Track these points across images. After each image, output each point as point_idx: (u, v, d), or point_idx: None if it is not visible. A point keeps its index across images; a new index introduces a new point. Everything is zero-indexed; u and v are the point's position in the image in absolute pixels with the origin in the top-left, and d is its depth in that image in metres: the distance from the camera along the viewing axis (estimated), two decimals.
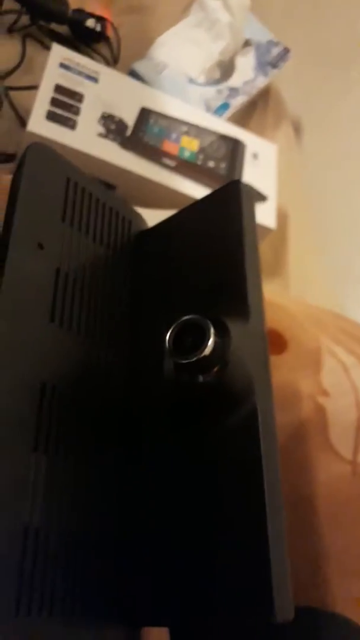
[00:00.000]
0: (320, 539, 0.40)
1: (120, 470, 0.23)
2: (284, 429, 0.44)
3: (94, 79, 0.60)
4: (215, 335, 0.21)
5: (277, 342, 0.52)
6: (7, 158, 0.61)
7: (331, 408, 0.46)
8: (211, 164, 0.63)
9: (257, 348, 0.23)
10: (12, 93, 0.65)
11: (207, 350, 0.20)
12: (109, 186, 0.58)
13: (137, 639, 0.21)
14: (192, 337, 0.21)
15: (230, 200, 0.27)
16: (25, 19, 0.71)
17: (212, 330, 0.21)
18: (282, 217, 0.66)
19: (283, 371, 0.49)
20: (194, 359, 0.21)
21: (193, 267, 0.28)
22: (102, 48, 0.76)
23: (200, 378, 0.21)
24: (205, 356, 0.20)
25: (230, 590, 0.18)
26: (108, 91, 0.59)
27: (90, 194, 0.29)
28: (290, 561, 0.41)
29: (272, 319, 0.54)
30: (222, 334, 0.21)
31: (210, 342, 0.20)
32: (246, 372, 0.21)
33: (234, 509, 0.19)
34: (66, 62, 0.59)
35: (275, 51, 0.79)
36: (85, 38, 0.74)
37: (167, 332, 0.21)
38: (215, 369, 0.21)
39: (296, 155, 0.85)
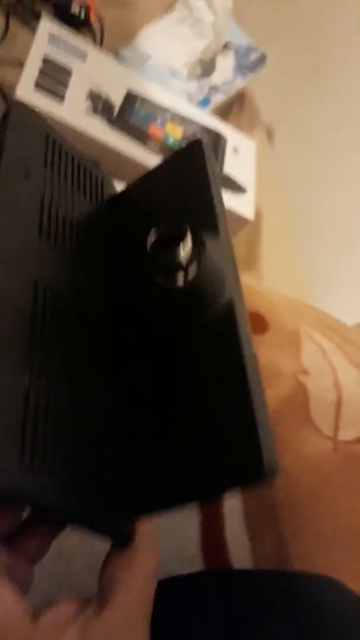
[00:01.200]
0: (304, 510, 0.41)
1: (110, 366, 0.25)
2: (268, 405, 0.44)
3: (81, 57, 0.59)
4: (192, 237, 0.22)
5: (258, 324, 0.53)
6: None
7: (312, 386, 0.47)
8: None
9: (227, 256, 0.24)
10: None
11: (187, 247, 0.22)
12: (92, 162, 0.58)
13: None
14: (171, 243, 0.22)
15: (195, 155, 0.30)
16: None
17: (189, 231, 0.22)
18: (256, 215, 0.67)
19: (265, 349, 0.50)
20: (176, 255, 0.22)
21: (166, 209, 0.30)
22: (85, 35, 0.76)
23: (180, 280, 0.22)
24: (183, 255, 0.22)
25: (224, 456, 0.19)
26: (95, 70, 0.59)
27: (66, 152, 0.32)
28: (276, 531, 0.41)
29: (253, 302, 0.55)
30: (197, 241, 0.23)
31: (189, 239, 0.22)
32: (219, 272, 0.23)
33: (221, 385, 0.21)
34: (55, 36, 0.58)
35: (253, 56, 0.81)
36: (69, 23, 0.74)
37: (148, 237, 0.23)
38: (193, 269, 0.22)
39: (269, 156, 0.88)
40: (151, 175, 0.33)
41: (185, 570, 0.36)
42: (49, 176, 0.30)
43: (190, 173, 0.29)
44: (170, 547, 0.39)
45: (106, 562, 0.22)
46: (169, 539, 0.38)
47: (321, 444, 0.44)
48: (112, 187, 0.35)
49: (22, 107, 0.31)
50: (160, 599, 0.22)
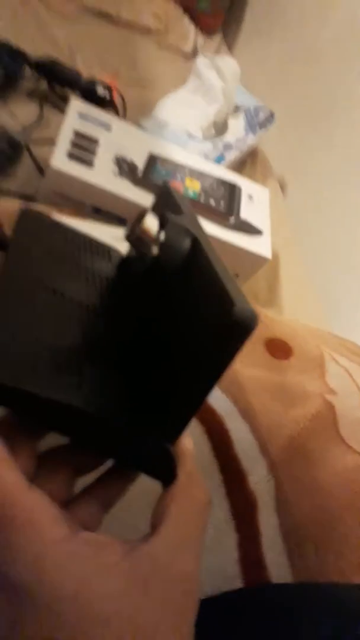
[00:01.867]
0: (339, 524, 0.41)
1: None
2: (297, 423, 0.46)
3: (107, 127, 0.67)
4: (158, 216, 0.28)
5: (283, 349, 0.55)
6: (27, 198, 0.67)
7: (339, 405, 0.49)
8: (212, 202, 0.69)
9: (191, 219, 0.29)
10: (31, 145, 0.73)
11: (149, 219, 0.27)
12: (121, 220, 0.64)
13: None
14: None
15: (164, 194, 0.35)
16: (43, 85, 0.80)
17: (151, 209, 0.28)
18: (273, 255, 0.72)
19: (290, 373, 0.52)
20: (141, 226, 0.28)
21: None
22: (110, 112, 0.85)
23: (155, 249, 0.27)
24: (147, 225, 0.27)
25: (211, 333, 0.22)
26: (120, 138, 0.67)
27: (74, 241, 0.38)
28: (313, 546, 0.41)
29: (276, 330, 0.58)
30: (162, 217, 0.28)
31: (150, 214, 0.28)
32: (184, 228, 0.27)
33: (203, 294, 0.23)
34: (83, 112, 0.66)
35: (262, 115, 0.89)
36: (96, 104, 0.83)
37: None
38: (159, 236, 0.27)
39: (282, 205, 0.93)
40: None
41: (226, 589, 0.36)
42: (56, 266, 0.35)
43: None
44: (210, 568, 0.39)
45: (156, 504, 0.23)
46: (208, 560, 0.39)
47: (352, 460, 0.45)
48: (120, 254, 0.41)
49: (29, 212, 0.38)
50: (202, 618, 0.23)
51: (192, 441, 0.26)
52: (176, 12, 1.14)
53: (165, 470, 0.24)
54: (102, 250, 0.39)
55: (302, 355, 0.54)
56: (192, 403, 0.22)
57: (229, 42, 1.23)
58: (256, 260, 0.69)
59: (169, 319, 0.27)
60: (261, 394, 0.47)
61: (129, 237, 0.29)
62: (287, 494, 0.41)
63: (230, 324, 0.20)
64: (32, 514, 0.19)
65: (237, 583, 0.40)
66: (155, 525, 0.22)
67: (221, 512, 0.40)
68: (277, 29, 1.10)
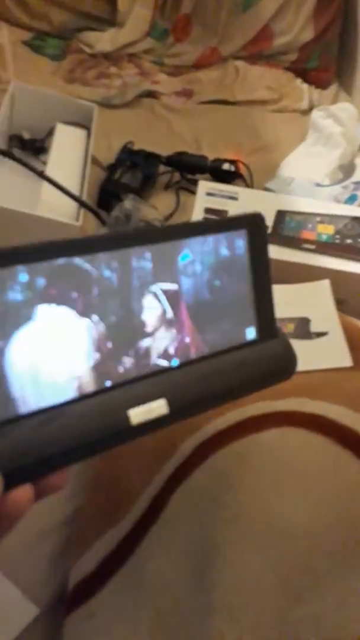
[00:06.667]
0: None
1: None
2: None
3: (234, 198, 0.72)
4: None
5: None
6: None
7: None
8: (349, 241, 0.69)
9: None
10: None
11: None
12: None
13: None
14: None
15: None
16: (176, 176, 0.90)
17: None
18: None
19: None
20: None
21: None
22: (238, 183, 0.91)
23: None
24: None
25: None
26: (247, 204, 0.71)
27: None
28: None
29: None
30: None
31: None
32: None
33: None
34: (210, 191, 0.73)
35: None
36: (224, 179, 0.90)
37: None
38: None
39: None
40: None
41: None
42: None
43: None
44: None
45: None
46: None
47: None
48: None
49: None
50: None
51: None
52: (287, 77, 1.20)
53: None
54: None
55: None
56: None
57: (347, 87, 1.24)
58: None
59: None
60: None
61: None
62: None
63: None
64: None
65: None
66: None
67: None
68: None
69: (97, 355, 0.25)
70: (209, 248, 0.28)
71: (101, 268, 0.25)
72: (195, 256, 0.28)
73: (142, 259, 0.26)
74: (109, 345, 0.25)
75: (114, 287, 0.25)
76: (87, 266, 0.24)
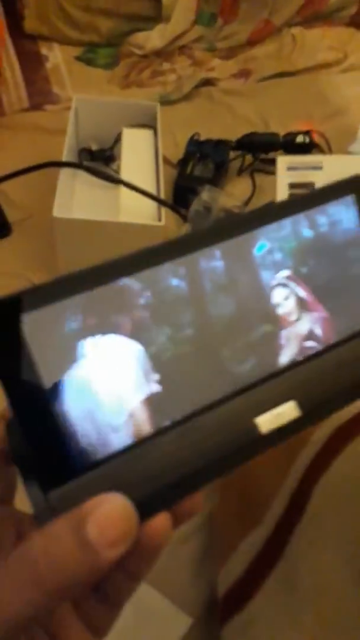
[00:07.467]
0: None
1: None
2: None
3: (318, 168, 0.68)
4: None
5: None
6: None
7: None
8: None
9: None
10: None
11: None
12: None
13: None
14: None
15: None
16: (248, 159, 0.87)
17: None
18: None
19: None
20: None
21: None
22: (316, 152, 0.86)
23: None
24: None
25: None
26: (334, 170, 0.67)
27: None
28: None
29: None
30: None
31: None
32: None
33: None
34: (291, 165, 0.69)
35: None
36: (300, 152, 0.86)
37: None
38: None
39: None
40: None
41: None
42: None
43: None
44: None
45: None
46: None
47: None
48: None
49: None
50: None
51: None
52: (349, 33, 1.12)
53: None
54: None
55: None
56: None
57: None
58: None
59: None
60: None
61: None
62: None
63: None
64: None
65: None
66: None
67: None
68: None
69: (204, 365, 0.23)
70: (324, 221, 0.25)
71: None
72: (314, 234, 0.25)
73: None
74: (218, 351, 0.23)
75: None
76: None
